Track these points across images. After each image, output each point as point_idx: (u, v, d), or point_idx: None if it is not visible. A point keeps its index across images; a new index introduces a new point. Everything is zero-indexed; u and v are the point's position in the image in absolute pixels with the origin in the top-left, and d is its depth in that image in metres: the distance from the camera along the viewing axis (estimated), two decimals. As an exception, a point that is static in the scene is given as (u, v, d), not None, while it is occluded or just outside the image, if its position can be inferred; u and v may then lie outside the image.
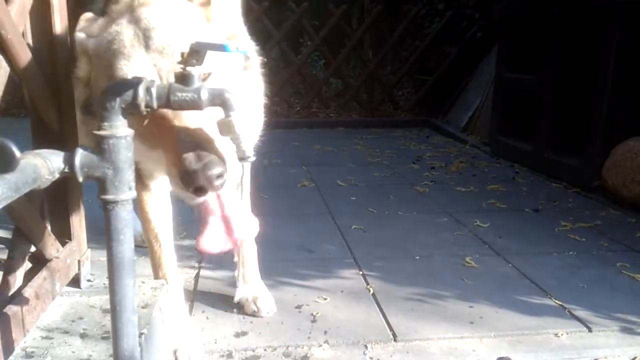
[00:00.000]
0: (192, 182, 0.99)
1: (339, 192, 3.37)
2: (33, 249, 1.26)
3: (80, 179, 0.86)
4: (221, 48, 0.89)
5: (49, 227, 1.30)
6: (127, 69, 1.08)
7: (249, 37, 1.44)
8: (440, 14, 6.35)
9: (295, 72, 6.52)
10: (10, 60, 1.09)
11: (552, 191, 3.43)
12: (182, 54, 0.93)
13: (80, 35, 1.17)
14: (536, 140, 3.92)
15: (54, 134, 1.29)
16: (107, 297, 0.96)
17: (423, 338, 1.68)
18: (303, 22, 6.49)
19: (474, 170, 4.01)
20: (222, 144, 1.04)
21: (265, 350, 1.60)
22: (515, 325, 1.76)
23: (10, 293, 1.15)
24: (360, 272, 2.15)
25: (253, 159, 1.03)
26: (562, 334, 1.71)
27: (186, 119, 1.06)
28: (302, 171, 3.93)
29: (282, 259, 2.25)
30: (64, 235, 1.37)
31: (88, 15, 1.21)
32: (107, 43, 1.12)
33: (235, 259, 1.86)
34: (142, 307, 1.30)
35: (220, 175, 1.00)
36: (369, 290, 1.99)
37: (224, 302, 1.88)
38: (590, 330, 1.74)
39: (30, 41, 1.23)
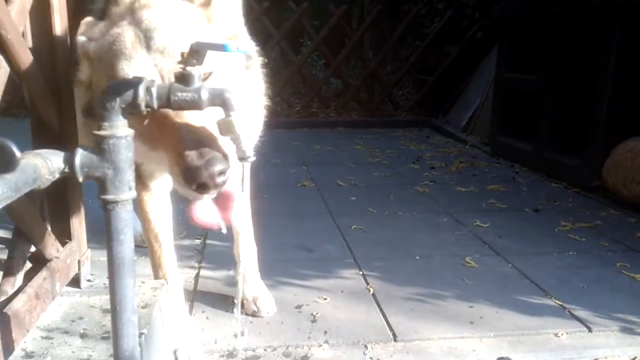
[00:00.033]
0: (194, 179, 1.00)
1: (339, 192, 3.37)
2: (33, 249, 1.26)
3: (81, 179, 0.86)
4: (221, 48, 0.89)
5: (49, 227, 1.30)
6: (128, 69, 1.08)
7: (250, 37, 1.44)
8: (441, 13, 6.35)
9: (295, 72, 6.52)
10: (10, 60, 1.09)
11: (552, 191, 3.43)
12: (182, 54, 0.93)
13: (81, 38, 1.17)
14: (536, 140, 3.92)
15: (54, 134, 1.29)
16: (107, 297, 0.96)
17: (423, 338, 1.68)
18: (303, 22, 6.48)
19: (474, 170, 4.01)
20: (224, 142, 1.04)
21: (265, 350, 1.60)
22: (515, 325, 1.76)
23: (10, 293, 1.15)
24: (360, 272, 2.15)
25: (253, 159, 1.03)
26: (562, 334, 1.71)
27: (187, 118, 1.06)
28: (302, 171, 3.93)
29: (282, 259, 2.25)
30: (64, 235, 1.37)
31: (89, 19, 1.21)
32: (109, 45, 1.13)
33: (236, 256, 1.86)
34: (142, 307, 1.30)
35: (222, 172, 1.00)
36: (369, 290, 1.99)
37: (224, 302, 1.88)
38: (590, 330, 1.74)
39: (30, 41, 1.23)
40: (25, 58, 1.14)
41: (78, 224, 1.42)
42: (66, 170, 0.85)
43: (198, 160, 0.99)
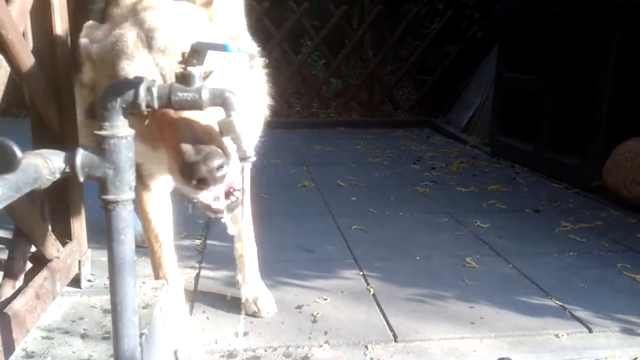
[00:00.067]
0: (193, 174, 0.99)
1: (340, 192, 3.37)
2: (33, 249, 1.26)
3: (81, 179, 0.86)
4: (222, 48, 0.89)
5: (49, 227, 1.29)
6: (129, 69, 1.08)
7: (251, 37, 1.44)
8: (441, 13, 6.35)
9: (296, 72, 6.52)
10: (11, 60, 1.09)
11: (552, 191, 3.43)
12: (183, 54, 0.93)
13: (84, 40, 1.17)
14: (536, 140, 3.92)
15: (55, 134, 1.29)
16: (108, 297, 0.96)
17: (424, 338, 1.68)
18: (303, 22, 6.48)
19: (475, 171, 4.01)
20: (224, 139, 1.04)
21: (265, 350, 1.60)
22: (516, 326, 1.76)
23: (11, 293, 1.15)
24: (361, 273, 2.15)
25: (254, 159, 1.03)
26: (562, 335, 1.71)
27: (187, 117, 1.06)
28: (302, 171, 3.93)
29: (282, 259, 2.25)
30: (64, 235, 1.37)
31: (91, 22, 1.21)
32: (111, 45, 1.13)
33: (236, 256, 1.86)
34: (143, 308, 1.30)
35: (221, 166, 1.00)
36: (370, 291, 1.99)
37: (225, 302, 1.88)
38: (590, 331, 1.74)
39: (30, 41, 1.23)
40: (26, 58, 1.14)
41: (78, 224, 1.42)
42: (67, 170, 0.84)
43: (195, 155, 0.99)
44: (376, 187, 3.53)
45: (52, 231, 1.30)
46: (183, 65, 0.93)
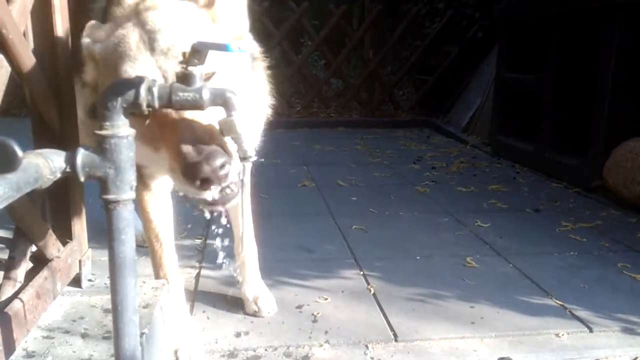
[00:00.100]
0: (195, 174, 0.99)
1: (340, 192, 3.37)
2: (34, 248, 1.26)
3: (82, 179, 0.86)
4: (223, 48, 0.89)
5: (50, 227, 1.29)
6: (132, 71, 1.08)
7: (253, 38, 1.44)
8: (441, 13, 6.35)
9: (296, 72, 6.53)
10: (12, 59, 1.09)
11: (552, 191, 3.43)
12: (184, 54, 0.93)
13: (86, 40, 1.17)
14: (537, 140, 3.92)
15: (55, 133, 1.29)
16: (108, 296, 0.96)
17: (424, 338, 1.68)
18: (303, 22, 6.48)
19: (475, 171, 4.01)
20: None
21: (266, 350, 1.60)
22: (516, 326, 1.76)
23: (11, 293, 1.15)
24: (361, 272, 2.15)
25: (254, 158, 1.03)
26: (563, 334, 1.71)
27: (188, 118, 1.06)
28: (302, 171, 3.93)
29: (282, 259, 2.25)
30: (65, 235, 1.37)
31: (93, 22, 1.21)
32: (114, 46, 1.13)
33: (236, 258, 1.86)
34: (143, 307, 1.30)
35: (223, 165, 0.99)
36: (370, 291, 1.99)
37: (225, 301, 1.88)
38: (591, 330, 1.74)
39: (31, 41, 1.23)
40: (27, 58, 1.14)
41: (79, 224, 1.42)
42: (68, 169, 0.85)
43: (197, 155, 0.99)
44: (376, 187, 3.53)
45: (53, 231, 1.30)
46: (184, 65, 0.93)
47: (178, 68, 0.95)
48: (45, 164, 0.80)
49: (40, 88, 1.22)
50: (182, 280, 1.61)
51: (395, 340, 1.67)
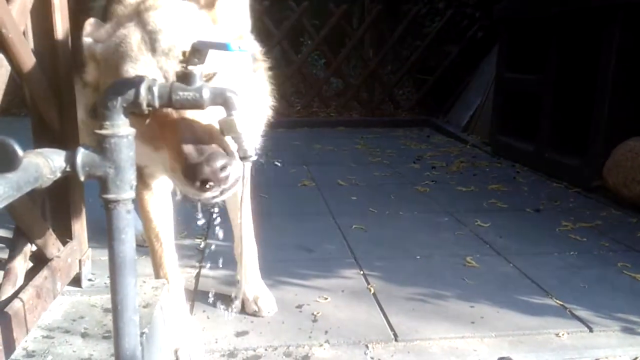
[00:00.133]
0: (196, 175, 0.99)
1: (340, 192, 3.37)
2: (34, 248, 1.26)
3: (82, 178, 0.86)
4: (223, 47, 0.89)
5: (50, 227, 1.29)
6: (133, 71, 1.08)
7: (255, 39, 1.44)
8: (441, 13, 6.34)
9: (296, 72, 6.52)
10: (12, 59, 1.09)
11: (552, 191, 3.43)
12: (184, 53, 0.93)
13: (87, 40, 1.17)
14: (537, 140, 3.92)
15: (55, 133, 1.29)
16: (108, 296, 0.96)
17: (424, 338, 1.68)
18: (303, 22, 6.48)
19: (475, 170, 4.01)
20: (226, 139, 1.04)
21: (266, 350, 1.60)
22: (516, 325, 1.76)
23: (11, 292, 1.15)
24: (361, 272, 2.15)
25: (255, 158, 1.03)
26: (563, 334, 1.71)
27: (189, 118, 1.05)
28: (302, 170, 3.93)
29: (282, 259, 2.25)
30: (65, 234, 1.37)
31: (94, 21, 1.21)
32: (115, 46, 1.13)
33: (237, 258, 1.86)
34: (144, 307, 1.30)
35: (224, 167, 0.99)
36: (370, 290, 1.99)
37: (225, 301, 1.88)
38: (591, 330, 1.74)
39: (31, 40, 1.23)
40: (27, 57, 1.14)
41: (79, 223, 1.42)
42: (68, 169, 0.84)
43: (198, 157, 0.99)
44: (376, 186, 3.53)
45: (53, 230, 1.30)
46: (184, 65, 0.93)
47: (179, 68, 0.95)
48: (45, 164, 0.80)
49: (40, 87, 1.22)
50: (182, 279, 1.62)
51: (396, 340, 1.67)
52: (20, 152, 0.67)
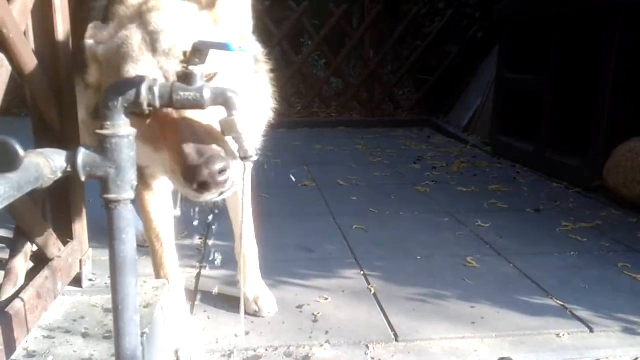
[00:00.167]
0: (194, 178, 0.99)
1: (340, 192, 3.37)
2: (35, 248, 1.26)
3: (83, 178, 0.86)
4: (224, 47, 0.89)
5: (50, 227, 1.29)
6: (134, 72, 1.08)
7: (256, 39, 1.44)
8: (441, 13, 6.34)
9: (296, 72, 6.52)
10: (12, 59, 1.09)
11: (553, 191, 3.43)
12: (185, 53, 0.93)
13: (90, 41, 1.17)
14: (537, 140, 3.92)
15: (56, 133, 1.29)
16: (109, 296, 0.96)
17: (424, 338, 1.68)
18: (303, 22, 6.48)
19: (475, 170, 4.01)
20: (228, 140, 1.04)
21: (266, 350, 1.60)
22: (517, 326, 1.76)
23: (12, 292, 1.15)
24: (362, 272, 2.15)
25: (255, 158, 1.03)
26: (563, 335, 1.71)
27: (189, 118, 1.05)
28: (303, 171, 3.93)
29: (283, 259, 2.25)
30: (65, 234, 1.37)
31: (96, 22, 1.21)
32: (117, 47, 1.13)
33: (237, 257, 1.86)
34: (144, 307, 1.30)
35: (223, 170, 0.99)
36: (370, 290, 1.99)
37: (226, 301, 1.88)
38: (591, 330, 1.74)
39: (32, 40, 1.23)
40: (27, 57, 1.14)
41: (80, 223, 1.42)
42: (69, 169, 0.84)
43: (197, 159, 0.99)
44: (377, 186, 3.53)
45: (53, 230, 1.30)
46: (185, 65, 0.93)
47: (180, 68, 0.95)
48: (46, 164, 0.80)
49: (41, 87, 1.22)
50: (182, 280, 1.62)
51: (396, 340, 1.67)
52: (21, 152, 0.67)
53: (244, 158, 1.02)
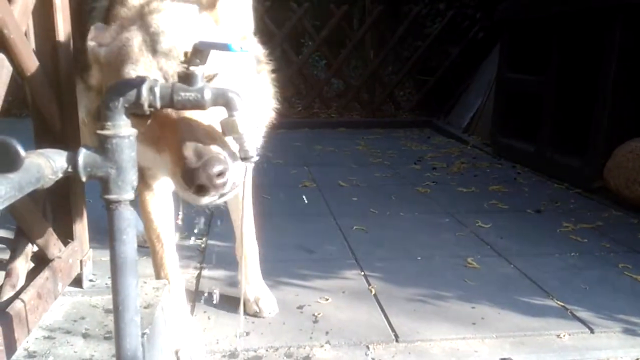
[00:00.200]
0: (193, 181, 0.99)
1: (341, 193, 3.37)
2: (35, 248, 1.26)
3: (84, 179, 0.86)
4: (224, 47, 0.89)
5: (51, 227, 1.29)
6: (133, 73, 1.08)
7: (257, 40, 1.44)
8: (442, 14, 6.34)
9: (297, 73, 6.53)
10: (13, 59, 1.09)
11: (553, 192, 3.43)
12: (186, 54, 0.93)
13: (91, 44, 1.17)
14: (538, 140, 3.92)
15: (56, 134, 1.29)
16: (109, 297, 0.96)
17: (425, 339, 1.68)
18: (304, 23, 6.48)
19: (476, 171, 4.01)
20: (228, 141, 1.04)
21: (267, 350, 1.60)
22: (517, 326, 1.75)
23: (13, 293, 1.15)
24: (362, 273, 2.15)
25: (256, 158, 1.03)
26: (564, 335, 1.71)
27: (190, 118, 1.05)
28: (303, 171, 3.93)
29: (283, 260, 2.25)
30: (66, 235, 1.37)
31: (98, 24, 1.21)
32: (118, 49, 1.13)
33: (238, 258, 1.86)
34: (145, 307, 1.30)
35: (222, 173, 0.99)
36: (371, 291, 1.99)
37: (226, 302, 1.88)
38: (592, 331, 1.74)
39: (32, 41, 1.23)
40: (28, 58, 1.14)
41: (80, 224, 1.42)
42: (69, 169, 0.84)
43: (196, 162, 0.98)
44: (377, 187, 3.52)
45: (54, 231, 1.30)
46: (186, 65, 0.93)
47: (179, 69, 0.95)
48: (47, 164, 0.80)
49: (41, 88, 1.22)
50: (183, 280, 1.61)
51: (397, 341, 1.67)
52: (22, 152, 0.67)
53: (244, 159, 1.02)
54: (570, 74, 3.62)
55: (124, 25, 1.18)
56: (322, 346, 1.62)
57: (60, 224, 1.36)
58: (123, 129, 0.88)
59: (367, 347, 1.63)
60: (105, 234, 0.92)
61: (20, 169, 0.69)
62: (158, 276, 1.55)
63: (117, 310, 0.93)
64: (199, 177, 0.97)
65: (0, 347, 1.00)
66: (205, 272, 2.12)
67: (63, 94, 1.29)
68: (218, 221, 2.54)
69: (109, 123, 0.87)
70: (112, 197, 0.88)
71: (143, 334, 1.12)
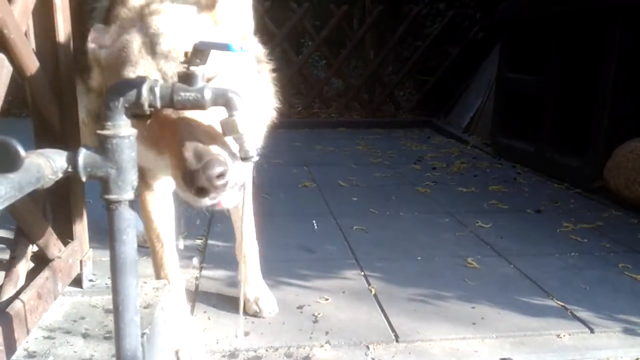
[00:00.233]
0: (192, 183, 0.99)
1: (341, 193, 3.37)
2: (35, 248, 1.26)
3: (84, 179, 0.86)
4: (224, 47, 0.89)
5: (51, 227, 1.29)
6: (133, 75, 1.08)
7: (258, 40, 1.44)
8: (442, 14, 6.34)
9: (297, 73, 6.53)
10: (13, 59, 1.09)
11: (553, 192, 3.43)
12: (186, 54, 0.93)
13: (92, 46, 1.17)
14: (538, 140, 3.92)
15: (56, 134, 1.29)
16: (109, 297, 0.96)
17: (425, 339, 1.68)
18: (304, 23, 6.48)
19: (476, 171, 4.01)
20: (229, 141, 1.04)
21: (267, 350, 1.60)
22: (517, 326, 1.75)
23: (13, 293, 1.15)
24: (362, 273, 2.15)
25: (256, 158, 1.03)
26: (564, 335, 1.71)
27: (190, 119, 1.05)
28: (303, 171, 3.93)
29: (283, 259, 2.25)
30: (66, 235, 1.37)
31: (98, 26, 1.21)
32: (118, 51, 1.13)
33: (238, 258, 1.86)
34: (144, 307, 1.30)
35: (222, 175, 0.98)
36: (371, 291, 1.99)
37: (226, 302, 1.88)
38: (592, 331, 1.74)
39: (32, 41, 1.23)
40: (28, 58, 1.14)
41: (80, 224, 1.42)
42: (69, 169, 0.84)
43: (196, 163, 0.98)
44: (377, 187, 3.52)
45: (54, 231, 1.30)
46: (186, 65, 0.93)
47: (179, 69, 0.95)
48: (47, 164, 0.80)
49: (41, 88, 1.23)
50: (183, 280, 1.62)
51: (397, 341, 1.67)
52: (22, 152, 0.67)
53: (244, 159, 1.02)
54: (570, 74, 3.62)
55: (124, 27, 1.18)
56: (322, 346, 1.62)
57: (60, 224, 1.36)
58: (123, 129, 0.88)
59: (367, 347, 1.63)
60: (105, 234, 0.92)
61: (20, 169, 0.69)
62: (158, 276, 1.55)
63: (117, 310, 0.93)
64: (199, 179, 0.97)
65: (0, 347, 1.00)
66: (205, 272, 2.12)
67: (63, 94, 1.29)
68: (218, 222, 2.54)
69: (109, 123, 0.87)
70: (112, 197, 0.88)
71: (143, 334, 1.12)
